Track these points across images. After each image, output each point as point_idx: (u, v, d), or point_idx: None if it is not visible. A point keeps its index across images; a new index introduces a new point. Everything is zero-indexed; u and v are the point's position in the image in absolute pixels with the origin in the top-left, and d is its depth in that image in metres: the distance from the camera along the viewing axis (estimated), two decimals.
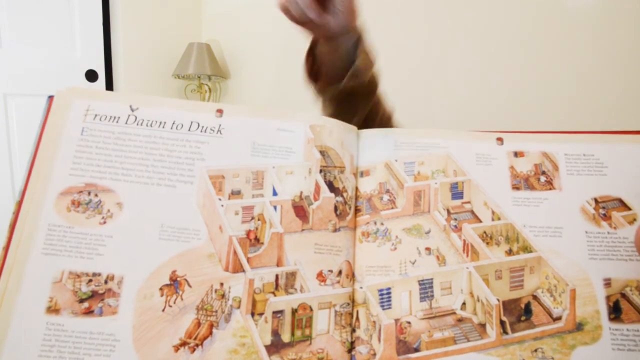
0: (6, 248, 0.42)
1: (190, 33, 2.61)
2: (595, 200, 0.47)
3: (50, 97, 0.48)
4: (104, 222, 0.44)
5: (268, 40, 2.33)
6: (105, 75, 2.37)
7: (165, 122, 0.48)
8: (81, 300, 0.41)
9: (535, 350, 0.42)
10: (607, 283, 0.43)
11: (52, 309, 0.40)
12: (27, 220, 0.43)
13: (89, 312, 0.41)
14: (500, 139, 0.50)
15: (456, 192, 0.48)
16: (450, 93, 1.72)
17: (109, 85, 2.40)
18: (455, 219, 0.47)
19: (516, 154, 0.50)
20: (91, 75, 2.33)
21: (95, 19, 2.31)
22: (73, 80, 2.29)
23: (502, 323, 0.43)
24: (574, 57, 1.43)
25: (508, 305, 0.43)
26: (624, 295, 0.43)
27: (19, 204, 0.43)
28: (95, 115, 0.47)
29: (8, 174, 2.12)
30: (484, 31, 1.62)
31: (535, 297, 0.44)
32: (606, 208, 0.46)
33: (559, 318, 0.43)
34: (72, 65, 2.28)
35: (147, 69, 2.47)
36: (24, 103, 2.16)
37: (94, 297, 0.41)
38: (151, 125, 0.47)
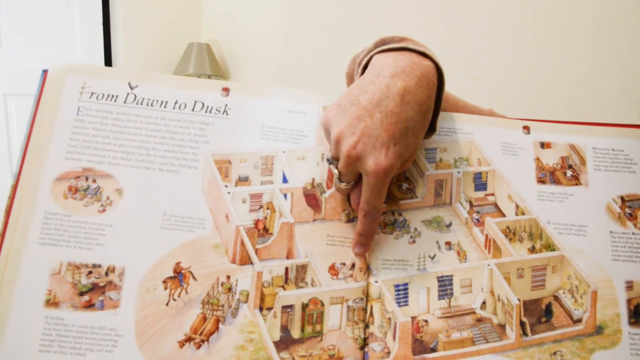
0: (2, 236, 0.38)
1: (190, 33, 2.54)
2: (622, 198, 0.43)
3: (45, 72, 0.43)
4: (103, 210, 0.40)
5: (268, 40, 2.25)
6: None
7: (167, 102, 0.43)
8: (81, 293, 0.38)
9: (554, 353, 0.39)
10: (629, 286, 0.40)
11: (51, 302, 0.37)
12: (22, 207, 0.39)
13: (89, 305, 0.38)
14: (526, 128, 0.45)
15: (479, 182, 0.44)
16: (450, 86, 1.63)
17: None
18: (478, 212, 0.43)
19: (543, 145, 0.45)
20: None
21: (95, 19, 2.24)
22: None
23: (522, 324, 0.39)
24: (577, 50, 1.34)
25: (529, 306, 0.40)
26: None
27: (14, 187, 0.39)
28: (92, 94, 0.42)
29: (9, 174, 2.09)
30: (484, 21, 1.52)
31: (556, 298, 0.41)
32: (632, 207, 0.42)
33: (579, 320, 0.40)
34: None
35: (147, 69, 2.41)
36: (24, 103, 2.10)
37: (94, 289, 0.38)
38: (152, 105, 0.42)
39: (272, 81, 2.29)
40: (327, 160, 0.41)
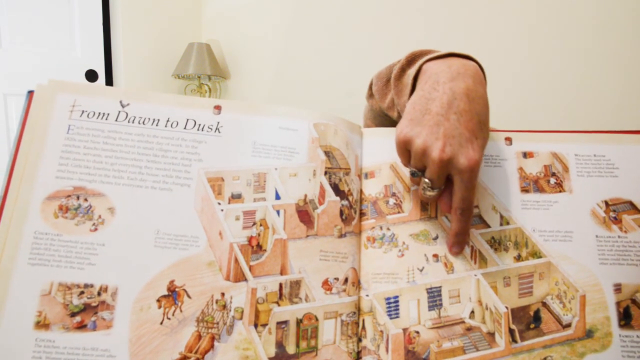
0: None
1: (190, 33, 2.51)
2: (606, 202, 0.43)
3: (31, 92, 0.42)
4: (95, 229, 0.38)
5: (268, 40, 2.24)
6: (105, 75, 2.28)
7: (159, 120, 0.42)
8: (73, 314, 0.36)
9: (545, 359, 0.39)
10: (618, 289, 0.40)
11: (41, 324, 0.36)
12: (10, 227, 0.37)
13: (81, 326, 0.36)
14: (508, 139, 0.46)
15: None
16: None
17: (109, 85, 2.28)
18: None
19: (525, 155, 0.45)
20: (91, 75, 2.24)
21: (95, 19, 2.22)
22: (73, 80, 2.17)
23: (511, 331, 0.39)
24: (577, 53, 1.37)
25: (517, 313, 0.40)
26: (634, 301, 0.40)
27: (0, 208, 0.38)
28: (83, 112, 0.41)
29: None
30: (482, 27, 1.55)
31: (544, 304, 0.41)
32: (617, 211, 0.43)
33: (568, 325, 0.40)
34: (72, 65, 2.20)
35: (147, 69, 2.39)
36: (24, 103, 2.04)
37: (86, 310, 0.37)
38: (144, 123, 0.41)
39: (272, 81, 2.26)
40: (411, 174, 0.41)
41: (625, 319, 0.40)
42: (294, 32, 2.12)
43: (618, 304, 0.40)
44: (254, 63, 2.33)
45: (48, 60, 2.12)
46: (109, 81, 2.30)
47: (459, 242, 0.41)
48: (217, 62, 2.37)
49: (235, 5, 2.37)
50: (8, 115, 2.05)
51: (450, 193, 0.40)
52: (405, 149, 0.40)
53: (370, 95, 0.59)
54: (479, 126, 0.38)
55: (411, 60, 0.47)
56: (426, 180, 0.40)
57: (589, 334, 0.39)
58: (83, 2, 2.16)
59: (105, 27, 2.24)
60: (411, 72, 0.44)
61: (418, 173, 0.40)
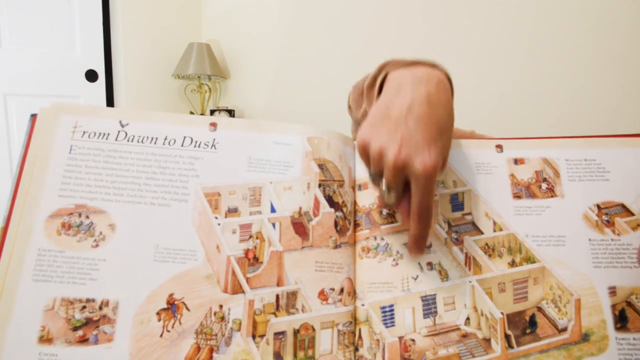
0: None
1: (190, 33, 2.54)
2: (598, 206, 0.43)
3: (34, 116, 0.43)
4: (97, 245, 0.40)
5: (268, 41, 2.27)
6: (105, 75, 2.29)
7: (157, 138, 0.43)
8: (75, 328, 0.37)
9: None
10: (612, 291, 0.40)
11: (45, 339, 0.37)
12: (15, 245, 0.39)
13: (83, 340, 0.37)
14: (499, 146, 0.47)
15: (456, 203, 0.45)
16: None
17: (109, 86, 2.32)
18: (456, 232, 0.44)
19: (516, 161, 0.46)
20: (91, 76, 2.27)
21: (95, 19, 2.25)
22: (73, 80, 2.22)
23: (507, 337, 0.40)
24: (572, 58, 1.38)
25: (512, 319, 0.40)
26: (629, 304, 0.40)
27: (5, 228, 0.39)
28: (84, 132, 0.43)
29: (8, 174, 2.07)
30: (481, 32, 1.57)
31: (540, 309, 0.41)
32: (609, 214, 0.43)
33: (564, 329, 0.40)
34: (72, 65, 2.22)
35: (147, 69, 2.41)
36: (24, 103, 2.09)
37: (88, 324, 0.38)
38: (142, 142, 0.43)
39: (272, 81, 2.26)
40: (371, 178, 0.41)
41: (621, 321, 0.40)
42: (294, 32, 2.14)
43: (613, 306, 0.40)
44: (254, 63, 2.35)
45: (48, 60, 2.14)
46: (109, 81, 2.31)
47: (418, 246, 0.41)
48: (217, 62, 2.38)
49: (235, 5, 2.39)
50: (8, 115, 2.07)
51: (409, 199, 0.40)
52: (364, 153, 0.40)
53: (349, 106, 0.60)
54: (438, 132, 0.38)
55: (382, 69, 0.48)
56: (384, 185, 0.40)
57: (585, 337, 0.39)
58: (83, 2, 2.19)
59: (105, 27, 2.26)
60: (379, 80, 0.45)
61: (376, 178, 0.41)
